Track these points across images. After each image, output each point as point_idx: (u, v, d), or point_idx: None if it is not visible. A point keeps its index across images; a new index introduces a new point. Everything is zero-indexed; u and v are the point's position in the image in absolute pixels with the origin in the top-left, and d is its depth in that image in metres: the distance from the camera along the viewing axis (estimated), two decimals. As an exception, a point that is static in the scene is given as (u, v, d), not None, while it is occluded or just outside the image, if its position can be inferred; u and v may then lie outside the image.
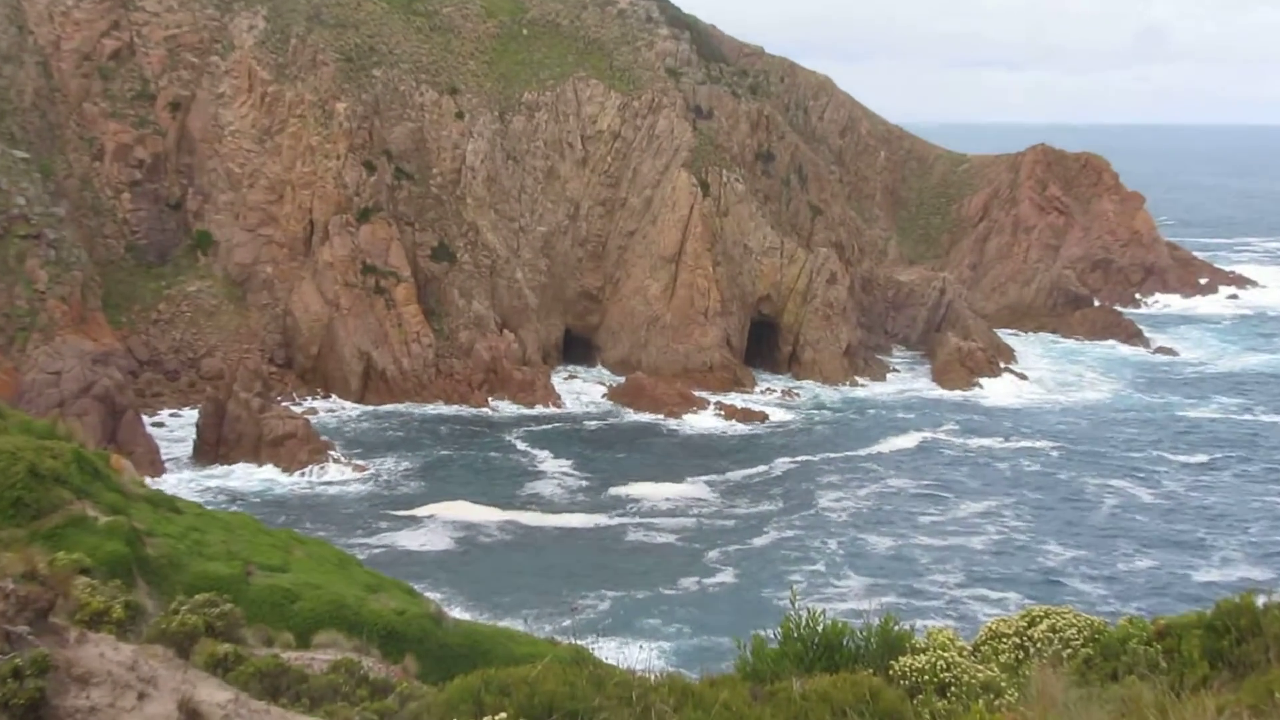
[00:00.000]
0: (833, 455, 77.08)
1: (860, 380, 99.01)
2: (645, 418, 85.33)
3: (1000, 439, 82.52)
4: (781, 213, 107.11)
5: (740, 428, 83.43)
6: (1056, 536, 61.05)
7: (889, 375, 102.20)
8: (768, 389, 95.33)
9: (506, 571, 54.36)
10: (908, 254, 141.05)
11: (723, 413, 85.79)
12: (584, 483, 69.00)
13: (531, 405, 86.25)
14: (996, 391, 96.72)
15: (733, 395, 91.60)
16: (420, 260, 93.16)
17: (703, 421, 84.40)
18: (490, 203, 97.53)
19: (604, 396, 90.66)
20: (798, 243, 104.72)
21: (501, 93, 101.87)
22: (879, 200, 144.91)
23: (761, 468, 73.33)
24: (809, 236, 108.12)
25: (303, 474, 66.91)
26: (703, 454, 76.76)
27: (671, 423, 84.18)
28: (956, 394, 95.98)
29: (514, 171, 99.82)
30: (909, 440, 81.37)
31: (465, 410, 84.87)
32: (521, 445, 76.99)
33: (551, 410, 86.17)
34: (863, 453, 77.69)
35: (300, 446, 68.48)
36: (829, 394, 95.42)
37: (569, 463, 72.93)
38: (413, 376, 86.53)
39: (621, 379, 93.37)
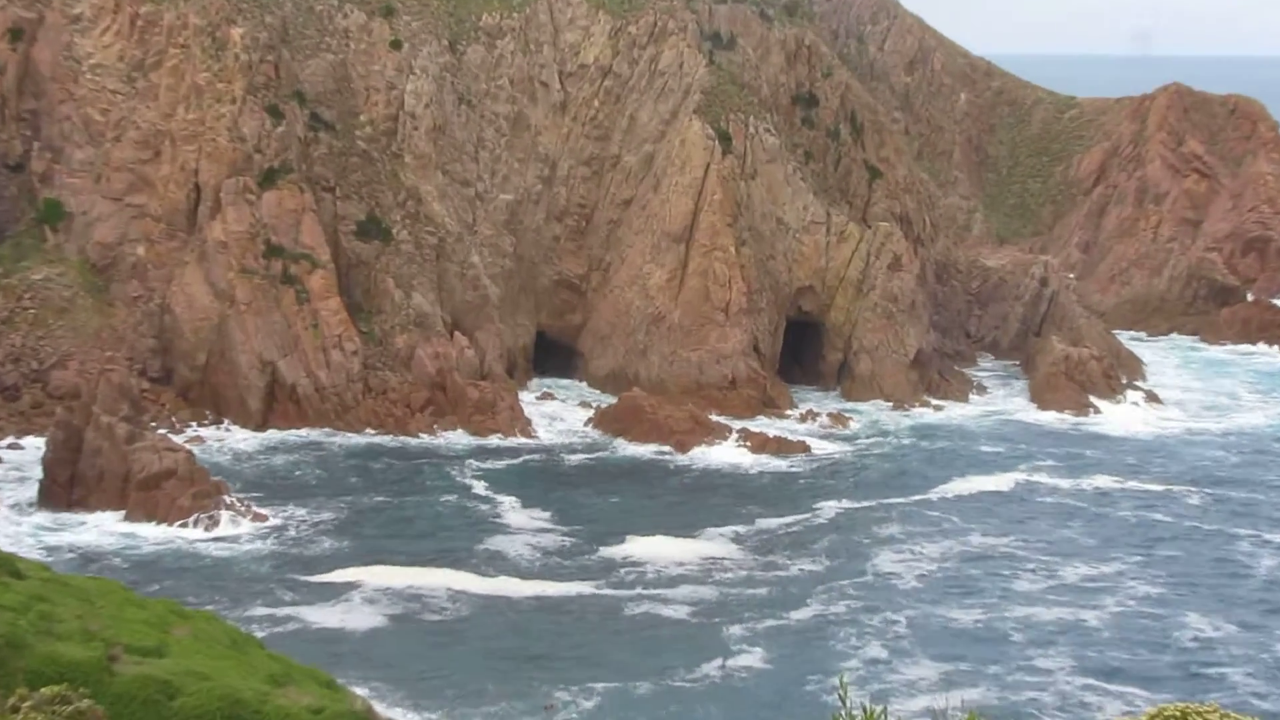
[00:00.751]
0: (897, 500, 77.23)
1: (933, 400, 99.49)
2: (645, 450, 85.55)
3: (1122, 479, 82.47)
4: (828, 175, 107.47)
5: (773, 464, 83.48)
6: (1198, 610, 61.02)
7: (972, 394, 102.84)
8: (809, 412, 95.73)
9: (459, 656, 53.96)
10: (998, 231, 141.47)
11: (749, 444, 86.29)
12: (564, 539, 68.75)
13: (492, 434, 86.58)
14: (1118, 417, 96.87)
15: (762, 420, 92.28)
16: (343, 239, 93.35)
17: (722, 455, 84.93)
18: (437, 162, 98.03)
19: (589, 423, 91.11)
20: (849, 215, 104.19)
21: (452, 14, 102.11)
22: (959, 159, 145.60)
23: (801, 517, 73.35)
24: (865, 207, 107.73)
25: (185, 525, 66.50)
26: (723, 499, 76.94)
27: (681, 457, 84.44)
28: (1063, 419, 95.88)
29: (469, 120, 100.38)
30: (999, 481, 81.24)
31: (403, 441, 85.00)
32: (479, 488, 76.92)
33: (519, 441, 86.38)
34: (936, 497, 77.96)
35: (181, 489, 68.02)
36: (891, 419, 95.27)
37: (543, 512, 72.79)
38: (333, 395, 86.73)
39: (613, 399, 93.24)
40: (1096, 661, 55.09)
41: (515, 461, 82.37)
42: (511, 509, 72.64)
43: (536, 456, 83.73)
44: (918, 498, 77.25)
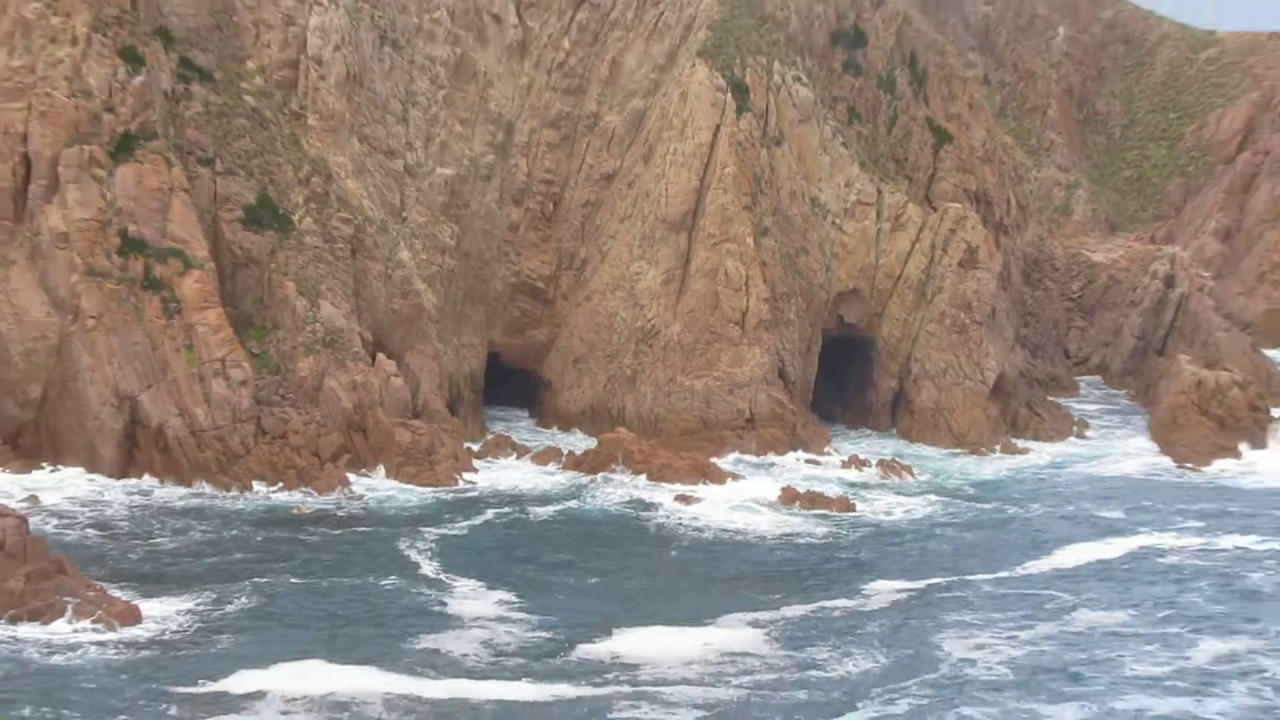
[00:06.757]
0: (973, 577, 75.62)
1: (1020, 443, 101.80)
2: (633, 504, 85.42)
3: (1265, 538, 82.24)
4: (879, 140, 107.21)
5: (805, 528, 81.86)
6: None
7: (1072, 434, 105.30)
8: (853, 459, 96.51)
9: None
10: (1106, 213, 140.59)
11: (777, 499, 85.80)
12: (532, 631, 66.17)
13: (429, 490, 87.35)
14: (1268, 462, 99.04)
15: (791, 466, 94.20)
16: (226, 229, 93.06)
17: (738, 516, 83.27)
18: (352, 124, 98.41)
19: (559, 469, 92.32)
20: (909, 194, 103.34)
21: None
22: (1055, 116, 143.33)
23: (845, 600, 71.44)
24: (929, 183, 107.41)
25: (16, 620, 63.38)
26: (739, 575, 74.67)
27: (682, 513, 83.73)
28: (1194, 466, 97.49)
29: (394, 67, 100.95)
30: (1108, 547, 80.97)
31: (312, 499, 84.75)
32: (419, 561, 75.63)
33: (465, 498, 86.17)
34: (1023, 571, 76.42)
35: (10, 569, 64.57)
36: (964, 468, 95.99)
37: (505, 594, 70.97)
38: (214, 440, 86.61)
39: (591, 441, 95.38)
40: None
41: (464, 526, 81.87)
42: (461, 590, 70.71)
43: (492, 516, 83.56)
44: (1002, 574, 75.58)
